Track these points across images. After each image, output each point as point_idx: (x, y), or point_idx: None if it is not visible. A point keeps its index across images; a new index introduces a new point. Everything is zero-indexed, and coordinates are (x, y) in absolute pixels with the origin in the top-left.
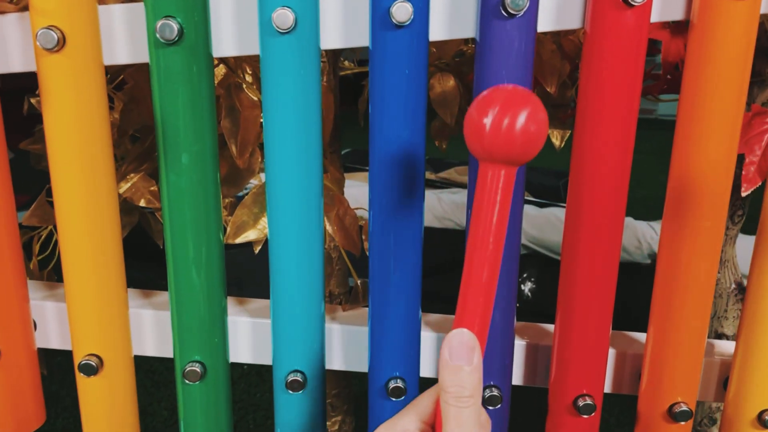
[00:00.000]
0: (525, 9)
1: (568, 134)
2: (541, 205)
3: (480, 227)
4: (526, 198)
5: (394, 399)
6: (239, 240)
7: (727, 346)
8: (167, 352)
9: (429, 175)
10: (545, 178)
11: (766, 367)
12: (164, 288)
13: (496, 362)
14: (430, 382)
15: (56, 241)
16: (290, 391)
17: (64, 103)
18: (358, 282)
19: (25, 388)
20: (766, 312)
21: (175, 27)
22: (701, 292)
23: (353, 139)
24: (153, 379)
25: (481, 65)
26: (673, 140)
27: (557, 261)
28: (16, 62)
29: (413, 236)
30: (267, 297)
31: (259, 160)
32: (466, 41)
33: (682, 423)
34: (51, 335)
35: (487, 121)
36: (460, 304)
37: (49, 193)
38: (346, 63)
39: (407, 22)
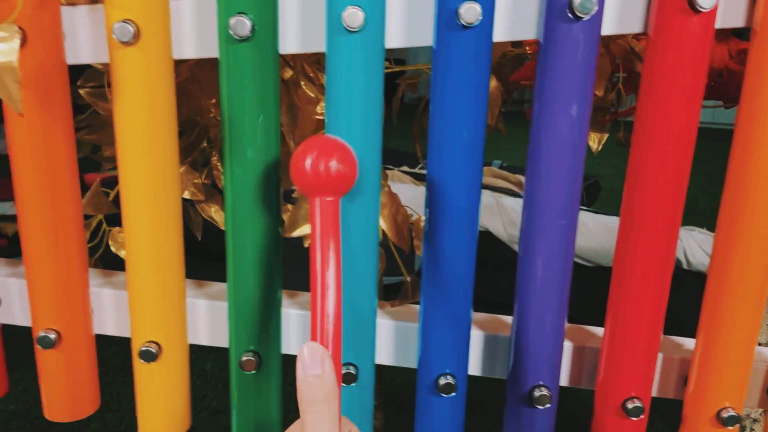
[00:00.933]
0: (592, 13)
1: (605, 138)
2: None
3: (314, 252)
4: None
5: (444, 395)
6: (295, 234)
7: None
8: (220, 342)
9: None
10: None
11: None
12: (201, 279)
13: (545, 363)
14: (476, 380)
15: (105, 231)
16: (343, 384)
17: (136, 95)
18: (408, 278)
19: (83, 373)
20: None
21: (248, 23)
22: (753, 299)
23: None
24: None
25: (543, 68)
26: (708, 146)
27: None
28: (84, 53)
29: (469, 236)
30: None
31: None
32: (513, 44)
33: (730, 428)
34: (107, 322)
35: (307, 164)
36: (311, 318)
37: (103, 183)
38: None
39: (475, 23)
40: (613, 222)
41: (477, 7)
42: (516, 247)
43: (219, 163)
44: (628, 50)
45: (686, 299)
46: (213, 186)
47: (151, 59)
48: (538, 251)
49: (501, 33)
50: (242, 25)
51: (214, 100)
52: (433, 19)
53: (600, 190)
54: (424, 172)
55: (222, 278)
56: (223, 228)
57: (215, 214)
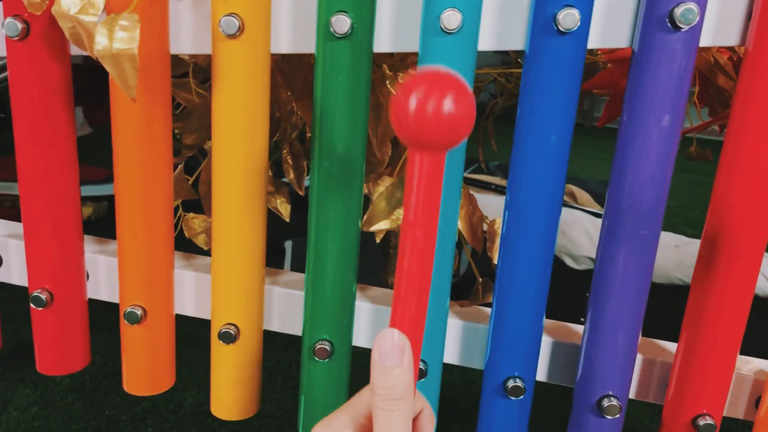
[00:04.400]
0: (693, 24)
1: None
2: (598, 216)
3: (409, 219)
4: (589, 210)
5: (513, 398)
6: (373, 228)
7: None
8: (292, 329)
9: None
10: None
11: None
12: None
13: (617, 374)
14: (541, 386)
15: (180, 216)
16: None
17: (236, 87)
18: (480, 280)
19: (163, 349)
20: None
21: (348, 21)
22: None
23: None
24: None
25: (637, 77)
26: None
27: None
28: (186, 44)
29: (547, 240)
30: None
31: (389, 153)
32: (591, 51)
33: None
34: (186, 302)
35: (412, 104)
36: (393, 302)
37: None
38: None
39: (573, 29)
40: (665, 238)
41: (576, 13)
42: (564, 258)
43: (288, 157)
44: (711, 63)
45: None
46: (277, 178)
47: (252, 53)
48: (619, 260)
49: (594, 40)
50: (342, 23)
51: (289, 93)
52: (525, 23)
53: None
54: (474, 176)
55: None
56: (287, 220)
57: (280, 205)
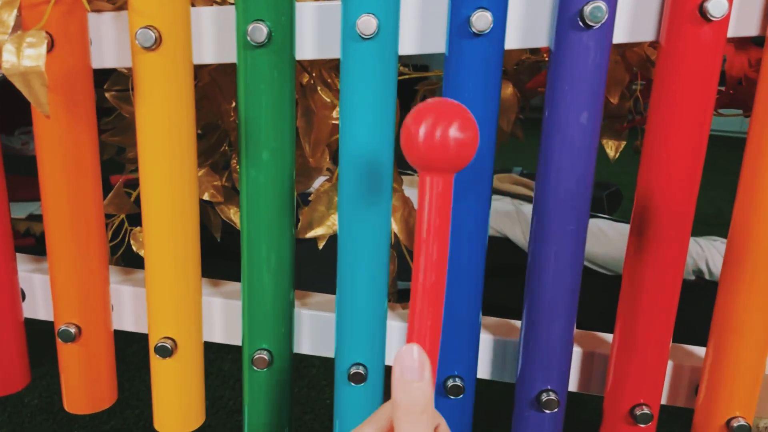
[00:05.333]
0: (603, 21)
1: (623, 145)
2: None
3: (422, 236)
4: None
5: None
6: (309, 235)
7: None
8: (235, 340)
9: None
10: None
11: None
12: (220, 279)
13: (554, 367)
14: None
15: (126, 230)
16: (353, 384)
17: (157, 99)
18: None
19: (101, 366)
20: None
21: (265, 30)
22: (765, 308)
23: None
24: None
25: (554, 75)
26: (734, 156)
27: (599, 273)
28: (109, 58)
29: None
30: (312, 290)
31: (327, 158)
32: (529, 50)
33: None
34: (126, 318)
35: (422, 131)
36: (410, 318)
37: (126, 184)
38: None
39: (486, 31)
40: (625, 228)
41: (488, 15)
42: None
43: (238, 166)
44: (645, 58)
45: (709, 310)
46: (232, 188)
47: (171, 64)
48: (548, 256)
49: (513, 40)
50: (259, 31)
51: (234, 104)
52: (445, 27)
53: (622, 199)
54: None
55: (237, 278)
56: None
57: (234, 215)
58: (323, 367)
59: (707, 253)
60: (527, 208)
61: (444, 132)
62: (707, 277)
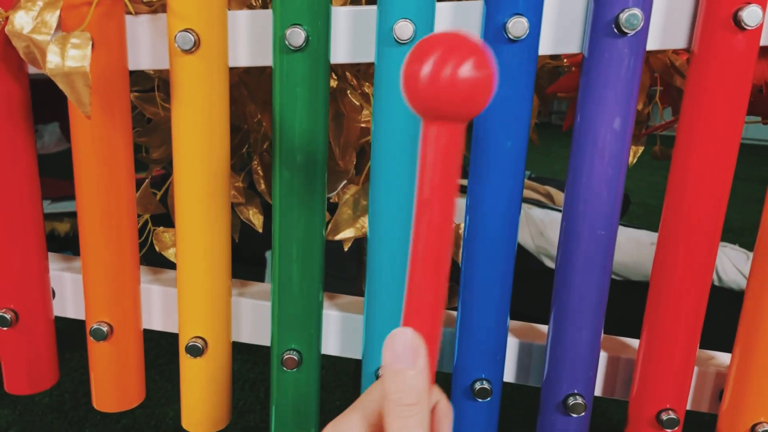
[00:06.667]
0: (638, 28)
1: (641, 150)
2: None
3: (424, 196)
4: None
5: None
6: (338, 237)
7: None
8: (261, 340)
9: None
10: None
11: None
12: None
13: (581, 372)
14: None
15: (150, 230)
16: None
17: (194, 101)
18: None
19: (131, 365)
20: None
21: (303, 34)
22: None
23: None
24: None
25: (587, 80)
26: (740, 162)
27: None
28: (145, 60)
29: (508, 245)
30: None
31: (353, 162)
32: (550, 56)
33: None
34: (155, 317)
35: (425, 69)
36: (406, 296)
37: (153, 184)
38: None
39: (522, 37)
40: (642, 236)
41: (524, 22)
42: (543, 259)
43: (259, 167)
44: (668, 64)
45: (718, 316)
46: (251, 189)
47: (208, 67)
48: (578, 260)
49: (546, 46)
50: (297, 36)
51: (259, 107)
52: (479, 32)
53: (630, 204)
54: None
55: (251, 280)
56: (260, 230)
57: (253, 216)
58: (333, 369)
59: (717, 259)
60: (535, 212)
61: (453, 70)
62: (716, 283)
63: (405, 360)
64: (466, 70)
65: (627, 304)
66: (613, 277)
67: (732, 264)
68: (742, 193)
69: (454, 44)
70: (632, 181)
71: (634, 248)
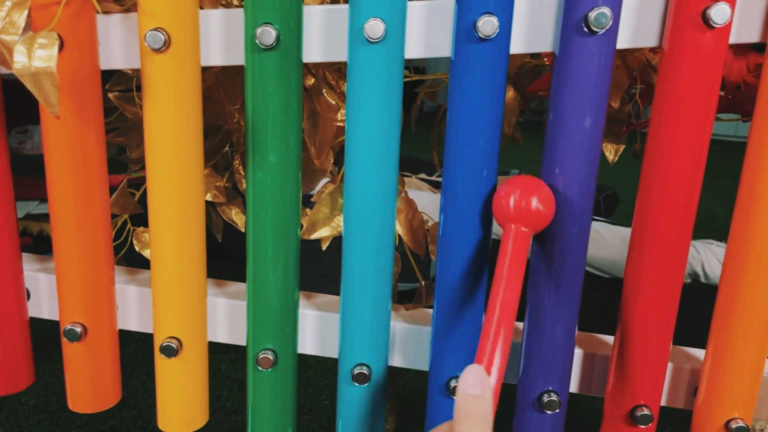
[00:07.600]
0: (607, 27)
1: (621, 149)
2: None
3: (502, 273)
4: None
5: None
6: (314, 236)
7: None
8: (239, 340)
9: None
10: None
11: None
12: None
13: (556, 370)
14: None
15: (129, 230)
16: (356, 384)
17: (165, 100)
18: (423, 283)
19: (106, 366)
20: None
21: (273, 33)
22: (764, 310)
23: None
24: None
25: (558, 79)
26: (729, 159)
27: (595, 275)
28: (117, 60)
29: (483, 243)
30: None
31: (331, 160)
32: (531, 55)
33: None
34: (131, 317)
35: (511, 202)
36: (481, 342)
37: (130, 184)
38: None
39: (492, 36)
40: (627, 233)
41: (494, 20)
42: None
43: (240, 167)
44: (645, 63)
45: (704, 313)
46: (234, 189)
47: (180, 66)
48: (550, 258)
49: (518, 45)
50: (268, 34)
51: (237, 106)
52: (451, 31)
53: (618, 201)
54: (441, 179)
55: (238, 279)
56: (243, 230)
57: (236, 216)
58: (320, 368)
59: (703, 257)
60: None
61: (528, 203)
62: (703, 280)
63: (475, 388)
64: (535, 203)
65: (614, 301)
66: (600, 274)
67: (718, 261)
68: (732, 190)
69: (528, 185)
70: (621, 180)
71: (621, 245)
